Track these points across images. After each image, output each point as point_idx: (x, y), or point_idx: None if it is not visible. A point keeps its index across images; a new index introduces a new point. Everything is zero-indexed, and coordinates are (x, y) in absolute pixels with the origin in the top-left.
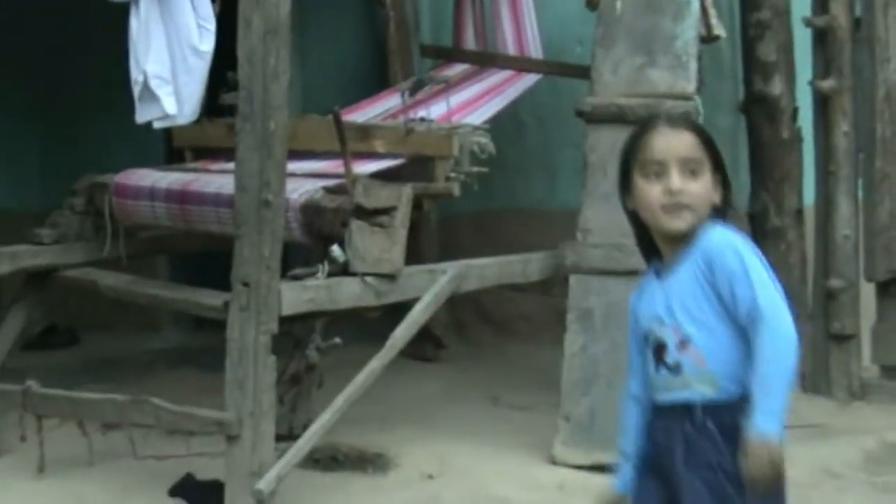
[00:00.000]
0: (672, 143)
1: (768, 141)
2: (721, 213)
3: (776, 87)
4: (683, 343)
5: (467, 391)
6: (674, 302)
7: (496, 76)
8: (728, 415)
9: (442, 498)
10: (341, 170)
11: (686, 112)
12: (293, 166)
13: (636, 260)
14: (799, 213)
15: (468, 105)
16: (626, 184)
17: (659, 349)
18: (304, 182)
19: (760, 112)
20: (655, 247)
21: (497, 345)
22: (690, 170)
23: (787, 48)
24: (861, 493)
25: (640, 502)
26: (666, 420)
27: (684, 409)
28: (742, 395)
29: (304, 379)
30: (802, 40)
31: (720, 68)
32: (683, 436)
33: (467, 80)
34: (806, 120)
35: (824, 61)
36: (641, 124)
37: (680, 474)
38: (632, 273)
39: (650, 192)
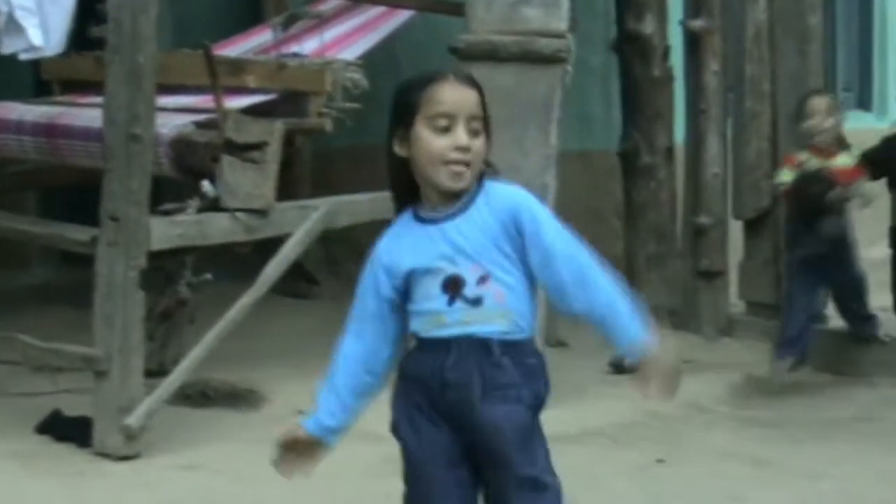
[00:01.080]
0: (463, 99)
1: (640, 80)
2: (491, 168)
3: (648, 26)
4: (484, 278)
5: (340, 327)
6: (466, 243)
7: (371, 11)
8: (521, 352)
9: None
10: (213, 105)
11: (557, 54)
12: (164, 101)
13: None
14: (669, 151)
15: (342, 40)
16: (400, 131)
17: (454, 284)
18: (174, 116)
19: (632, 51)
20: (414, 193)
21: None
22: (473, 128)
23: None
24: (727, 426)
25: (424, 451)
26: (457, 356)
27: (480, 345)
28: (530, 337)
29: (174, 315)
30: None
31: (593, 7)
32: (479, 370)
33: (341, 15)
34: (677, 59)
35: (695, 1)
36: (429, 75)
37: (478, 408)
38: None
39: (436, 144)
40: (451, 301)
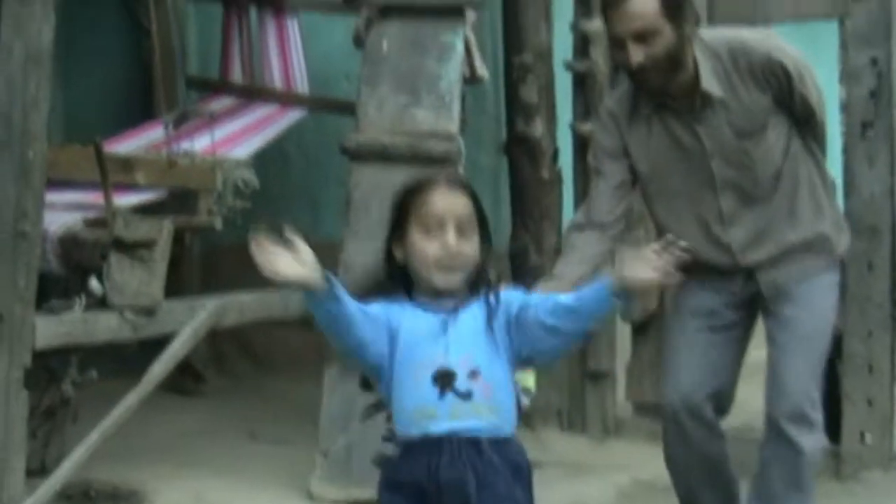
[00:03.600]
0: (451, 203)
1: (529, 181)
2: (482, 269)
3: (537, 128)
4: (474, 373)
5: (226, 426)
6: (460, 337)
7: (262, 109)
8: (509, 451)
9: None
10: (102, 201)
11: (447, 155)
12: (53, 196)
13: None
14: (558, 251)
15: (233, 138)
16: (396, 234)
17: (445, 377)
18: (63, 213)
19: (522, 152)
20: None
21: (258, 379)
22: (463, 230)
23: (549, 90)
24: None
25: None
26: (448, 456)
27: (470, 443)
28: (514, 436)
29: (58, 413)
30: (563, 83)
31: (483, 108)
32: (473, 469)
33: (233, 113)
34: (566, 161)
35: (584, 104)
36: (421, 181)
37: None
38: None
39: (427, 247)
40: (441, 394)
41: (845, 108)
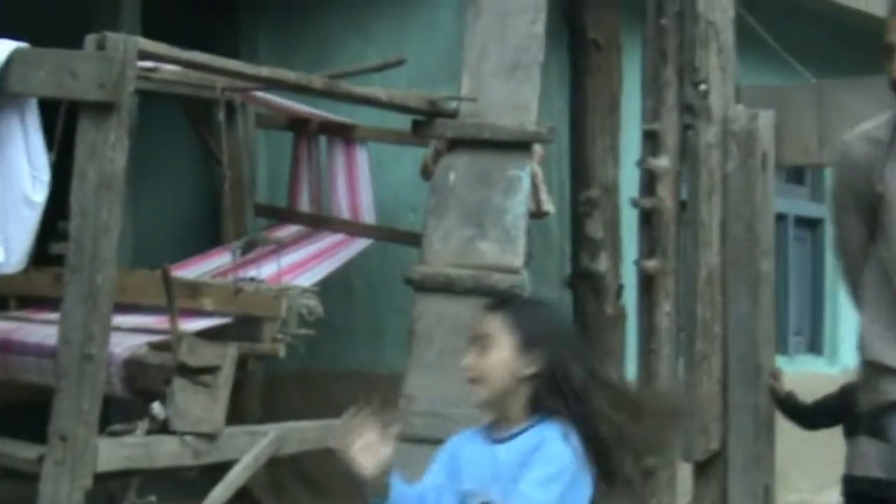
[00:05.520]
0: (476, 322)
1: (593, 316)
2: (545, 389)
3: (602, 264)
4: None
5: None
6: (501, 472)
7: (328, 239)
8: None
9: None
10: (168, 326)
11: (511, 289)
12: (119, 319)
13: (457, 429)
14: None
15: (299, 266)
16: None
17: None
18: (128, 336)
19: (586, 287)
20: None
21: None
22: (481, 346)
23: (614, 226)
24: None
25: None
26: None
27: None
28: None
29: None
30: (629, 220)
31: (548, 243)
32: None
33: (299, 241)
34: (630, 297)
35: (649, 241)
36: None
37: None
38: None
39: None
40: None
41: None
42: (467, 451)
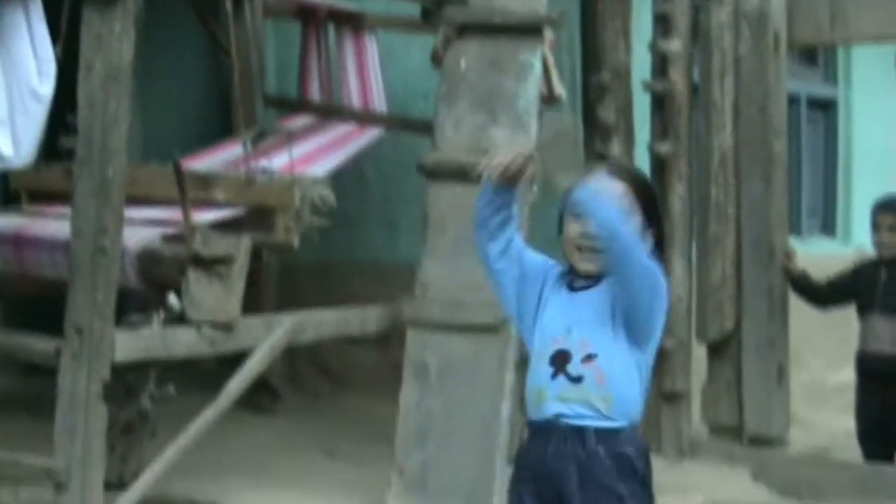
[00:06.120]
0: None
1: None
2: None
3: (615, 148)
4: (590, 357)
5: (302, 443)
6: (586, 317)
7: (340, 129)
8: (617, 443)
9: None
10: (180, 218)
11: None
12: (131, 213)
13: (473, 314)
14: None
15: (311, 157)
16: (561, 221)
17: (561, 358)
18: (141, 229)
19: None
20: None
21: (334, 397)
22: None
23: (626, 111)
24: None
25: None
26: (556, 444)
27: (575, 433)
28: (629, 427)
29: (136, 427)
30: (641, 103)
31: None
32: (576, 461)
33: (311, 131)
34: None
35: (662, 125)
36: (588, 170)
37: (576, 500)
38: (469, 328)
39: (570, 230)
40: (554, 375)
41: None
42: (553, 294)
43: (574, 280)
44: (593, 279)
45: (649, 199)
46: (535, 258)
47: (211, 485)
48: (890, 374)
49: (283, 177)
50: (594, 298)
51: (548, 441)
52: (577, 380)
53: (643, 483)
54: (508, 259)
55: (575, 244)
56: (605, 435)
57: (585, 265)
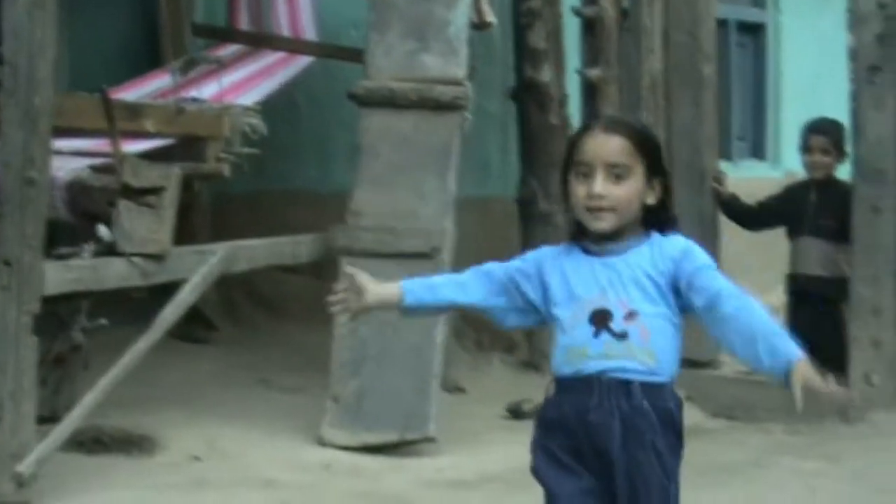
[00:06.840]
0: (601, 148)
1: (537, 127)
2: (656, 212)
3: (545, 74)
4: (632, 314)
5: (237, 373)
6: (622, 279)
7: (270, 57)
8: (660, 398)
9: (208, 480)
10: (109, 149)
11: (455, 100)
12: (60, 144)
13: (406, 243)
14: None
15: (241, 86)
16: (564, 182)
17: (601, 316)
18: (70, 160)
19: (530, 99)
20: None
21: (268, 326)
22: (616, 174)
23: (557, 36)
24: None
25: (567, 494)
26: (598, 397)
27: (621, 386)
28: (670, 382)
29: (68, 360)
30: (572, 29)
31: (491, 55)
32: (620, 414)
33: (240, 60)
34: (575, 107)
35: (592, 50)
36: (584, 125)
37: (618, 453)
38: (402, 255)
39: (577, 191)
40: (596, 333)
41: (853, 53)
42: (568, 262)
43: (588, 245)
44: (612, 240)
45: (652, 150)
46: (513, 267)
47: (145, 416)
48: (820, 294)
49: (213, 106)
50: (624, 265)
51: (589, 395)
52: (621, 336)
53: (678, 434)
54: (499, 295)
55: (584, 206)
56: (650, 389)
57: (597, 224)
